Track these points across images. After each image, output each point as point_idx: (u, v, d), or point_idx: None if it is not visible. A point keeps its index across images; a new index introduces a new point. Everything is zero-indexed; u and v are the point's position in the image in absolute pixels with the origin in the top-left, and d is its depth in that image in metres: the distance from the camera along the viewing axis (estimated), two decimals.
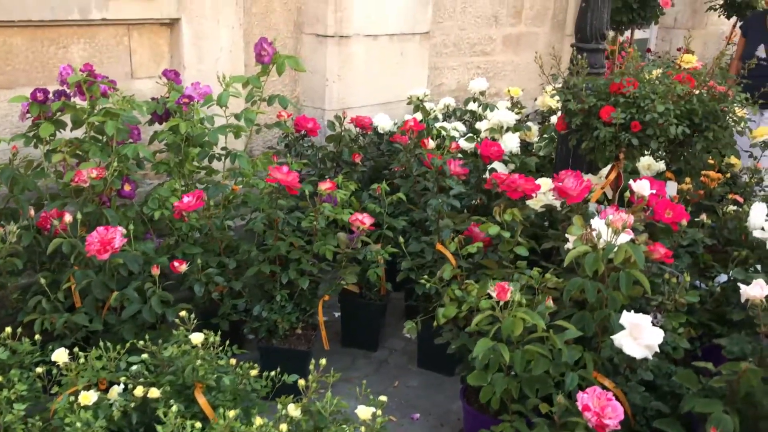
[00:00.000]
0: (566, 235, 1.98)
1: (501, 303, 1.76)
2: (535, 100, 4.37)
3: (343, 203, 2.68)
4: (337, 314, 3.03)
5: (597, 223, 1.94)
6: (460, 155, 3.29)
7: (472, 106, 3.92)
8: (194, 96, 2.66)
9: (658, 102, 2.43)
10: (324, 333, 2.45)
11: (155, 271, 2.13)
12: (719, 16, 6.68)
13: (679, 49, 6.86)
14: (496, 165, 2.98)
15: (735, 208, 2.97)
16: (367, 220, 2.40)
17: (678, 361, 2.07)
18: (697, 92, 2.55)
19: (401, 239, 2.51)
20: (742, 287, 1.74)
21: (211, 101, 2.59)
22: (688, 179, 3.03)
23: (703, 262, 2.54)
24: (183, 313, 1.87)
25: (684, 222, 2.23)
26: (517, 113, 4.17)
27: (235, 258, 2.44)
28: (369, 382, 2.00)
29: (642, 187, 2.25)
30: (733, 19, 6.54)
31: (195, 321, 1.88)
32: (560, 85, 2.91)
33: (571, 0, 5.06)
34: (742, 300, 1.75)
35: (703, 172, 3.11)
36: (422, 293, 2.51)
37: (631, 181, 2.31)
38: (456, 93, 4.49)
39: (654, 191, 2.28)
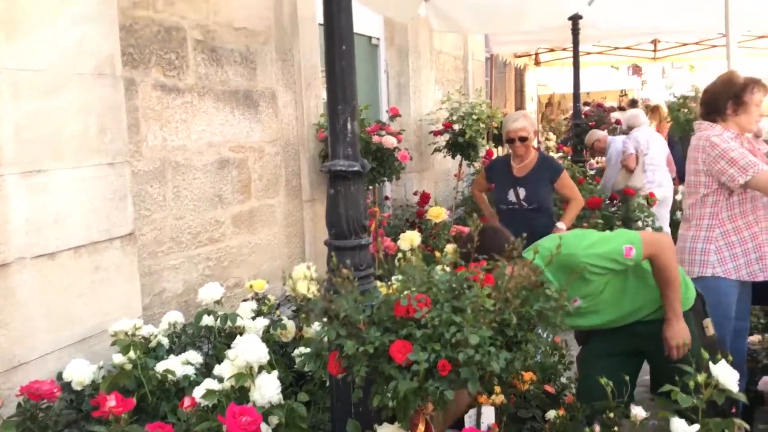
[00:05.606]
0: None
1: None
2: (284, 284, 3.55)
3: None
4: None
5: None
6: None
7: (207, 320, 2.96)
8: None
9: (468, 331, 1.71)
10: None
11: None
12: (444, 156, 6.70)
13: (415, 193, 6.72)
14: None
15: (554, 413, 2.39)
16: None
17: None
18: (507, 296, 1.92)
19: None
20: None
21: None
22: (497, 388, 2.38)
23: None
24: None
25: None
26: (267, 311, 3.35)
27: None
28: None
29: None
30: (458, 157, 6.59)
31: None
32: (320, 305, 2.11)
33: (303, 162, 4.48)
34: None
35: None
36: None
37: None
38: (185, 297, 3.51)
39: None
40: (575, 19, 7.30)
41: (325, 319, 1.97)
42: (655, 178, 6.37)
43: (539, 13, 6.28)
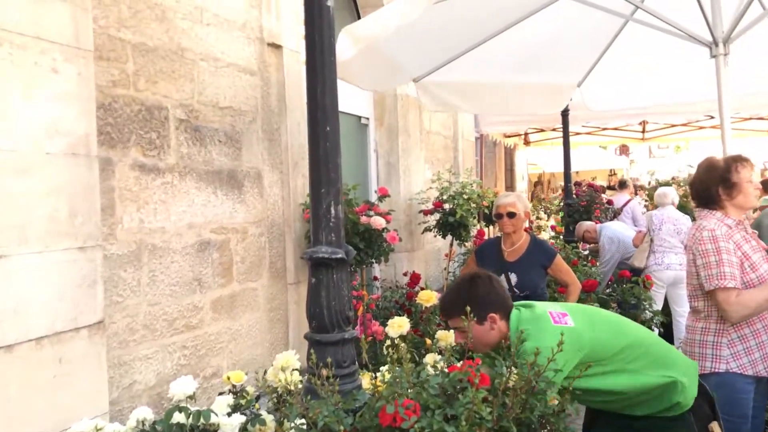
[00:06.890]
0: None
1: None
2: (265, 372, 3.33)
3: None
4: None
5: None
6: None
7: (179, 417, 2.73)
8: None
9: None
10: None
11: None
12: (435, 236, 6.57)
13: (405, 274, 6.54)
14: None
15: None
16: None
17: None
18: (505, 400, 1.73)
19: None
20: None
21: None
22: None
23: None
24: None
25: None
26: (245, 405, 3.11)
27: None
28: None
29: None
30: (449, 237, 6.46)
31: None
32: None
33: (289, 243, 4.32)
34: None
35: None
36: None
37: None
38: (157, 389, 3.27)
39: None
40: None
41: (303, 425, 1.77)
42: (664, 260, 6.20)
43: (532, 103, 6.31)
